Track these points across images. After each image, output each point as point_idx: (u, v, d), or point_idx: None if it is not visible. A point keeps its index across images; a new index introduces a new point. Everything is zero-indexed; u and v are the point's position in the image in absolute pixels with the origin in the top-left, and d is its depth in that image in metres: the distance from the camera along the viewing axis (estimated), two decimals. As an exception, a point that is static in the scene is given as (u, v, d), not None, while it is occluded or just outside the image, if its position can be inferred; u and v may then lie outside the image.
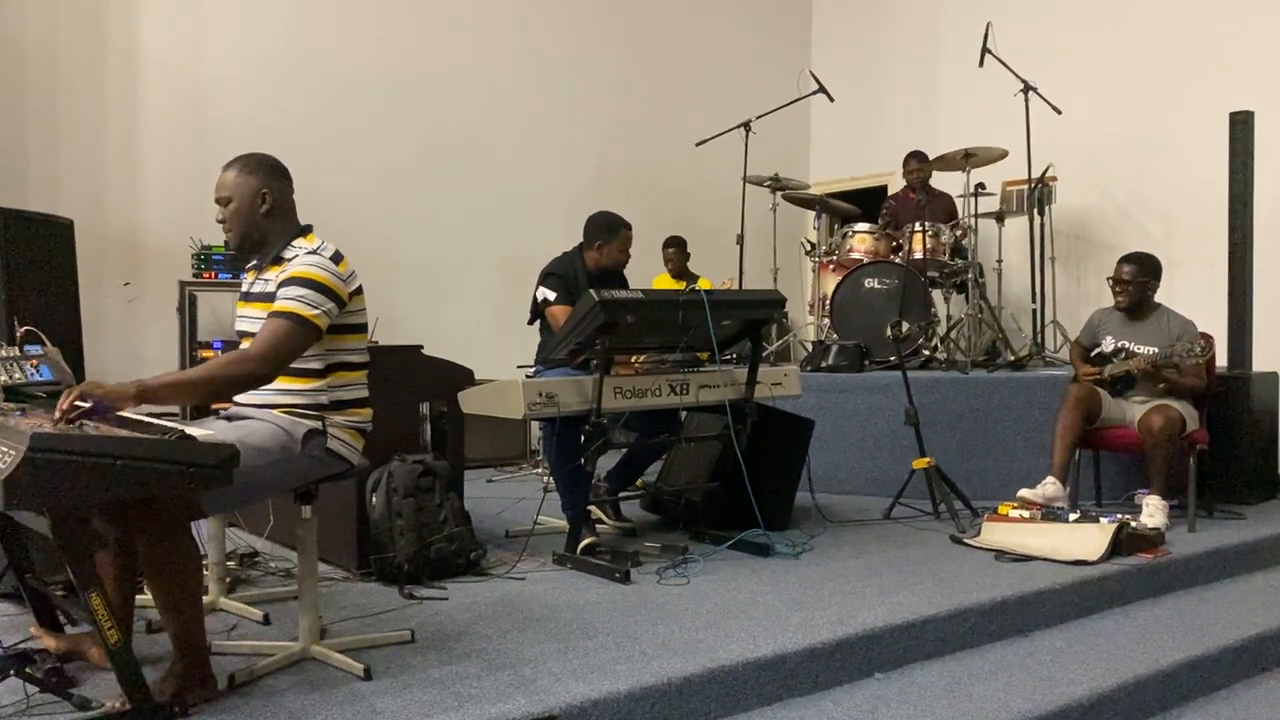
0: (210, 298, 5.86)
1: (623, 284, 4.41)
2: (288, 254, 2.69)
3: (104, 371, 5.10)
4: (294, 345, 2.56)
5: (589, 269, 4.40)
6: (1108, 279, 4.86)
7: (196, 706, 2.35)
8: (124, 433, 2.17)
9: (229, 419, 2.70)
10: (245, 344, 2.71)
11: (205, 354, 5.47)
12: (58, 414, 2.18)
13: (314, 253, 2.66)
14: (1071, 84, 6.81)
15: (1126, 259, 4.81)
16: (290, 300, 2.57)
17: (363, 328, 2.80)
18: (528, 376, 3.95)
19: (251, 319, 2.71)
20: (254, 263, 2.80)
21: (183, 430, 2.22)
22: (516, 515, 4.67)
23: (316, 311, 2.58)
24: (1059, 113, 6.26)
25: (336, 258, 2.68)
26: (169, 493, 2.20)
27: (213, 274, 5.70)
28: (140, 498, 2.22)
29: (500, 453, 6.42)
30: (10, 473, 1.94)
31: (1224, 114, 5.46)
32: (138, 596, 2.72)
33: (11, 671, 2.41)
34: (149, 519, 2.29)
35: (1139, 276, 4.73)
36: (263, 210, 2.70)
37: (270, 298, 2.63)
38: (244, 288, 2.81)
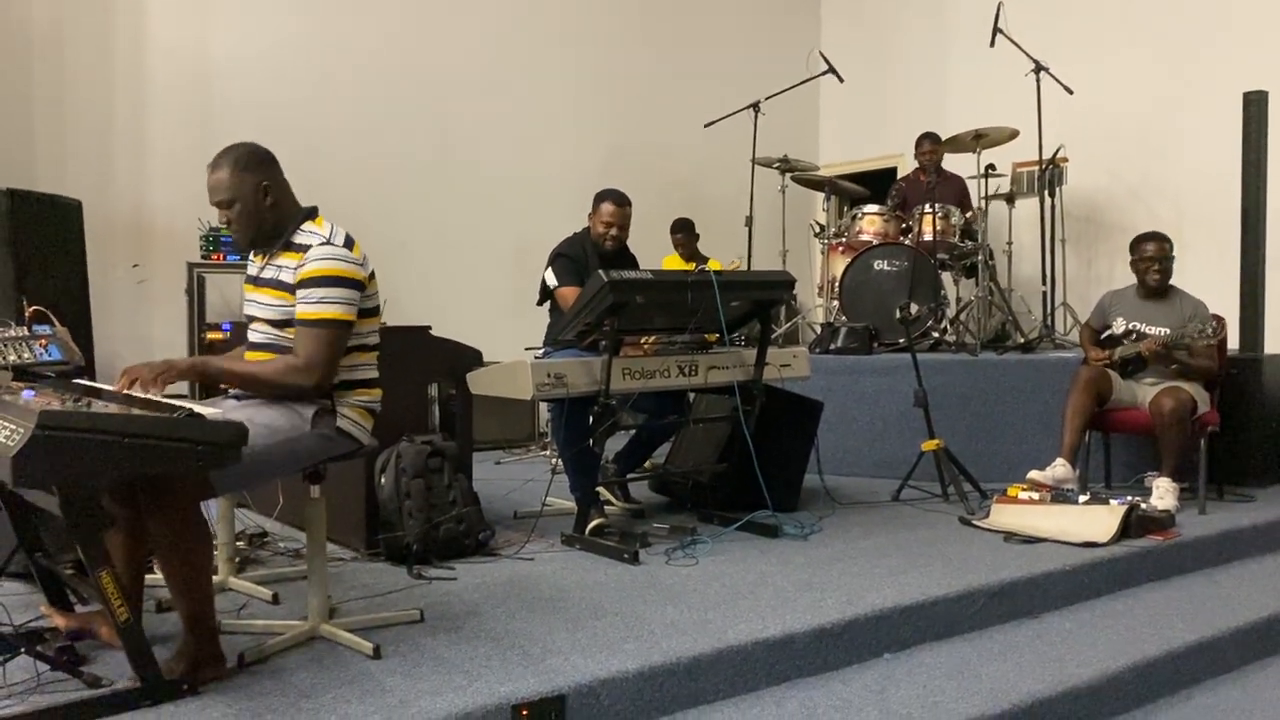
0: (218, 279, 5.86)
1: (632, 265, 4.39)
2: (299, 239, 2.67)
3: (113, 353, 5.14)
4: (340, 348, 2.64)
5: (598, 249, 4.39)
6: (1132, 261, 4.79)
7: (206, 685, 2.36)
8: (134, 410, 2.17)
9: (238, 398, 2.70)
10: (255, 327, 2.71)
11: (213, 335, 5.47)
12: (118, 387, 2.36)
13: (328, 243, 2.64)
14: (1083, 64, 6.76)
15: (1147, 238, 4.77)
16: (321, 305, 2.58)
17: (376, 310, 2.79)
18: (536, 358, 3.95)
19: (262, 304, 2.69)
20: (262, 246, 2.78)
21: (191, 409, 2.22)
22: (525, 496, 4.67)
23: (349, 308, 2.62)
24: (1071, 93, 6.21)
25: (349, 243, 2.68)
26: (178, 471, 2.20)
27: (221, 256, 5.69)
28: (150, 476, 2.23)
29: (509, 434, 6.43)
30: (19, 450, 1.94)
31: (1237, 94, 5.41)
32: (147, 575, 2.74)
33: (22, 650, 2.43)
34: (159, 498, 2.29)
35: (1169, 251, 4.71)
36: (267, 204, 2.68)
37: (283, 286, 2.62)
38: (252, 271, 2.78)
